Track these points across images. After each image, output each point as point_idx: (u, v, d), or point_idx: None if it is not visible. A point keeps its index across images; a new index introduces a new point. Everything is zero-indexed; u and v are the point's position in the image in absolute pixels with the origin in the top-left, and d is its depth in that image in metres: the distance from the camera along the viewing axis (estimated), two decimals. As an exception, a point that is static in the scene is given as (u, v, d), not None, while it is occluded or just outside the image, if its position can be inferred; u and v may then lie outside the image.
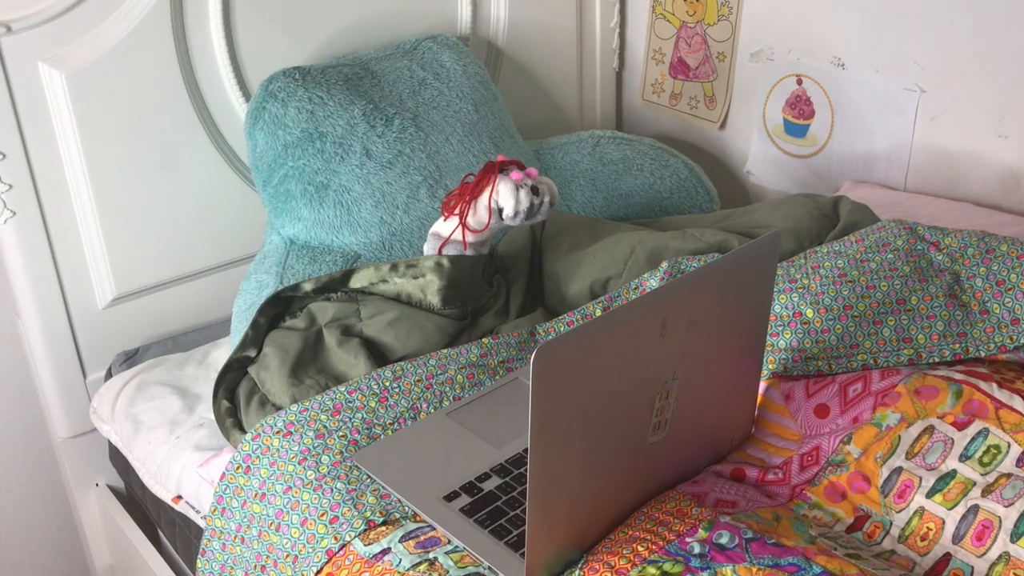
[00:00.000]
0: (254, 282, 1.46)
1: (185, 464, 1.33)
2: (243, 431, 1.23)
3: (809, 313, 1.20)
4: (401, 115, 1.55)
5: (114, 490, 1.70)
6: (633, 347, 0.95)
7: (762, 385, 1.18)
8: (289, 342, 1.28)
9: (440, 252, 1.34)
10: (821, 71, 1.75)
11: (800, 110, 1.82)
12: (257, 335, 1.32)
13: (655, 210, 1.74)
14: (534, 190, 1.32)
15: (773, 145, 1.87)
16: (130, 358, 1.58)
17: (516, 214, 1.31)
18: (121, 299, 1.59)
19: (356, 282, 1.34)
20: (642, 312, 0.95)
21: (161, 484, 1.36)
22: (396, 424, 1.16)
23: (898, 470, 1.02)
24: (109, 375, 1.58)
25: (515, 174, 1.32)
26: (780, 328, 1.21)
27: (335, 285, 1.35)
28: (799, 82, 1.79)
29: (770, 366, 1.20)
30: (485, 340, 1.28)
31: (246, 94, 1.59)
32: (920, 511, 0.99)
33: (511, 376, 1.26)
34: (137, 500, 1.60)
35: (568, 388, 0.89)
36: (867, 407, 1.11)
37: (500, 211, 1.31)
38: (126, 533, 1.59)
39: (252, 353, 1.31)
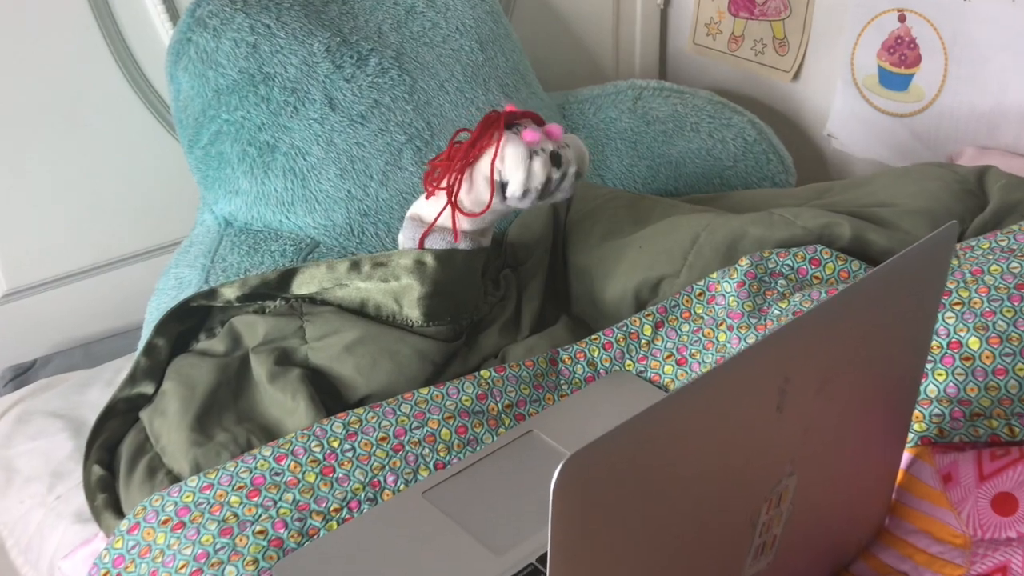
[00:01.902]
0: (173, 279, 1.03)
1: (62, 539, 0.91)
2: (120, 513, 0.81)
3: (973, 343, 0.76)
4: (379, 52, 1.11)
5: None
6: (730, 434, 0.52)
7: (904, 456, 0.76)
8: (198, 375, 0.86)
9: (422, 244, 0.91)
10: (932, 3, 1.30)
11: (902, 55, 1.36)
12: (154, 364, 0.89)
13: (714, 183, 1.30)
14: (554, 158, 0.88)
15: (863, 101, 1.42)
16: (21, 374, 1.15)
17: (525, 193, 0.88)
18: (12, 296, 1.16)
19: (300, 286, 0.91)
20: (748, 373, 0.52)
21: (31, 565, 0.94)
22: (345, 510, 0.74)
23: None
24: (-10, 397, 1.15)
25: (529, 132, 0.88)
26: (929, 366, 0.77)
27: (270, 290, 0.91)
28: (901, 18, 1.34)
29: (916, 427, 0.76)
30: (485, 373, 0.85)
31: (174, 17, 1.16)
32: None
33: (522, 428, 0.83)
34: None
35: (615, 519, 0.47)
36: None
37: (504, 186, 0.89)
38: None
39: (147, 390, 0.89)
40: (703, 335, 0.89)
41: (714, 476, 0.53)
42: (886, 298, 0.59)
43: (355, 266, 0.89)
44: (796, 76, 1.50)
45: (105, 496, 0.81)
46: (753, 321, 0.85)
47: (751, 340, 0.83)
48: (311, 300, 0.91)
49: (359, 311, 0.90)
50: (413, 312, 0.89)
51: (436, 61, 1.15)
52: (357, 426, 0.79)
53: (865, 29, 1.38)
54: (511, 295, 1.00)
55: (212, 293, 0.90)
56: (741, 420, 0.53)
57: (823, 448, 0.61)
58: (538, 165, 0.86)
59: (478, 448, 0.80)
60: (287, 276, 0.90)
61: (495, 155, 0.86)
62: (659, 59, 1.65)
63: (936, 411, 0.76)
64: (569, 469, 0.43)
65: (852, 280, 0.90)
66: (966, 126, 1.33)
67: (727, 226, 0.96)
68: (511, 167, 0.86)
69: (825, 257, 0.90)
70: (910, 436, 0.75)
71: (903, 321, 0.63)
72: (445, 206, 0.89)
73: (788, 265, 0.90)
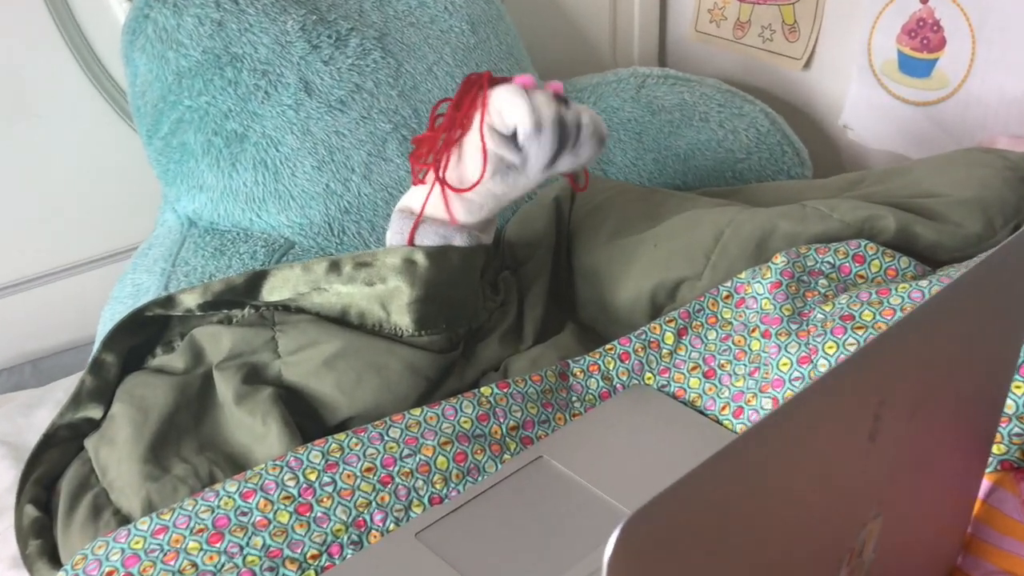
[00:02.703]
0: (129, 286, 0.90)
1: (-3, 586, 0.79)
2: (57, 562, 0.68)
3: (1055, 351, 0.65)
4: (361, 32, 0.99)
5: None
6: (816, 474, 0.41)
7: (983, 484, 0.64)
8: (153, 396, 0.73)
9: (412, 240, 0.80)
10: (958, -19, 1.19)
11: (924, 39, 1.25)
12: (101, 383, 0.76)
13: (725, 176, 1.19)
14: (558, 99, 0.76)
15: (881, 89, 1.31)
16: (-38, 393, 1.03)
17: (539, 126, 0.73)
18: (-48, 306, 1.04)
19: (272, 291, 0.78)
20: (841, 396, 0.40)
21: (-38, 616, 0.82)
22: (325, 557, 0.62)
23: None
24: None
25: (519, 78, 0.76)
26: (1004, 378, 0.66)
27: (236, 296, 0.78)
28: (923, -1, 1.23)
29: (994, 449, 0.65)
30: (486, 390, 0.73)
31: (132, -4, 1.04)
32: None
33: (530, 453, 0.71)
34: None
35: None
36: None
37: (509, 139, 0.75)
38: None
39: (93, 414, 0.76)
40: (733, 343, 0.78)
41: (794, 528, 0.41)
42: (981, 302, 0.48)
43: (335, 267, 0.77)
44: (807, 64, 1.39)
45: (39, 542, 0.68)
46: (794, 327, 0.74)
47: (793, 349, 0.72)
48: (284, 308, 0.78)
49: (340, 319, 0.78)
50: (402, 319, 0.77)
51: (423, 43, 1.03)
52: (338, 455, 0.67)
53: (883, 12, 1.27)
54: (512, 300, 0.88)
55: (169, 301, 0.77)
56: (829, 455, 0.41)
57: (910, 482, 0.49)
58: (540, 96, 0.73)
59: (480, 479, 0.68)
60: (256, 280, 0.77)
61: (482, 117, 0.73)
62: (659, 48, 1.54)
63: (1017, 430, 0.64)
64: (628, 535, 0.31)
65: (900, 278, 0.79)
66: (996, 113, 1.22)
67: (754, 220, 0.84)
68: (508, 104, 0.72)
69: (870, 253, 0.79)
70: (990, 462, 0.64)
71: (993, 328, 0.51)
72: (433, 185, 0.76)
73: (829, 262, 0.78)
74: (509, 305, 0.87)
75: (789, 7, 1.38)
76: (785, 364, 0.71)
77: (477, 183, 0.76)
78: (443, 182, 0.76)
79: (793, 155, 1.22)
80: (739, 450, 0.35)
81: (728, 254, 0.84)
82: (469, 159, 0.76)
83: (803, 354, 0.71)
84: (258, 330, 0.76)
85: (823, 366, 0.70)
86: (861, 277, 0.79)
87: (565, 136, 0.75)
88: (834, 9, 1.33)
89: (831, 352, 0.70)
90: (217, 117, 0.93)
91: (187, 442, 0.71)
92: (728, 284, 0.80)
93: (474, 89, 0.75)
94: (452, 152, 0.76)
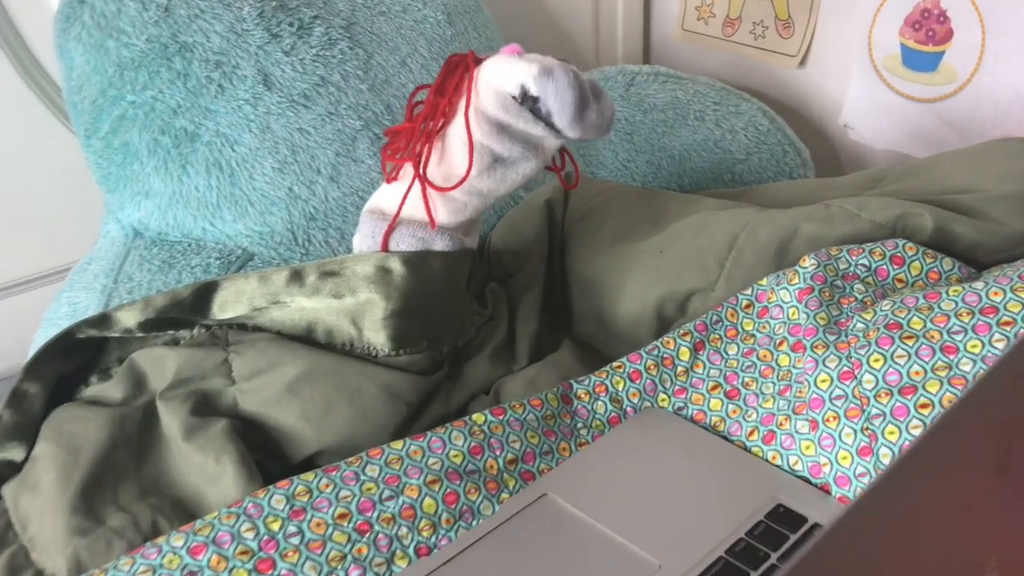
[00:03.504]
0: (65, 305, 0.79)
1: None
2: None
3: None
4: (326, 20, 0.89)
5: None
6: (935, 527, 0.31)
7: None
8: (85, 433, 0.61)
9: (386, 245, 0.69)
10: (966, -32, 1.12)
11: (929, 31, 1.17)
12: (23, 419, 0.64)
13: (724, 179, 1.09)
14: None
15: (884, 85, 1.23)
16: None
17: (549, 71, 0.62)
18: None
19: (224, 306, 0.67)
20: (971, 431, 0.30)
21: None
22: (290, 625, 0.51)
23: None
24: None
25: (508, 48, 0.66)
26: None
27: (183, 313, 0.67)
28: (928, -12, 1.15)
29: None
30: (478, 417, 0.62)
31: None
32: None
33: (533, 491, 0.60)
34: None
35: None
36: None
37: (522, 98, 0.64)
38: None
39: (13, 455, 0.64)
40: (757, 358, 0.68)
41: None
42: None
43: (296, 277, 0.66)
44: (803, 61, 1.30)
45: (-57, 612, 0.57)
46: (831, 338, 0.64)
47: (832, 363, 0.62)
48: (240, 326, 0.67)
49: (305, 338, 0.67)
50: (377, 337, 0.66)
51: (395, 33, 0.93)
52: (306, 499, 0.56)
53: (885, 2, 1.19)
54: (501, 314, 0.77)
55: (104, 319, 0.66)
56: (954, 501, 0.31)
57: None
58: (534, 55, 0.64)
59: (475, 523, 0.58)
60: (205, 293, 0.66)
61: (468, 102, 0.63)
62: (643, 48, 1.45)
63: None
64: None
65: (944, 281, 0.69)
66: (1008, 109, 1.14)
67: (773, 223, 0.75)
68: (502, 70, 0.62)
69: (909, 254, 0.69)
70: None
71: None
72: (412, 182, 0.66)
73: (864, 265, 0.69)
74: (499, 320, 0.77)
75: (782, 1, 1.30)
76: (824, 381, 0.62)
77: (464, 179, 0.65)
78: (424, 179, 0.65)
79: (795, 156, 1.13)
80: (870, 507, 0.25)
81: (744, 261, 0.74)
82: (454, 152, 0.65)
83: (844, 368, 0.61)
84: (209, 352, 0.64)
85: (868, 382, 0.60)
86: (900, 281, 0.69)
87: (579, 87, 0.64)
88: (831, 1, 1.25)
89: (877, 366, 0.60)
90: (164, 114, 0.82)
91: (125, 487, 0.59)
92: (748, 292, 0.71)
93: (459, 71, 0.65)
94: (434, 142, 0.65)
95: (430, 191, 0.66)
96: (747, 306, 0.70)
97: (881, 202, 0.74)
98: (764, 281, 0.71)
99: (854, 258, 0.69)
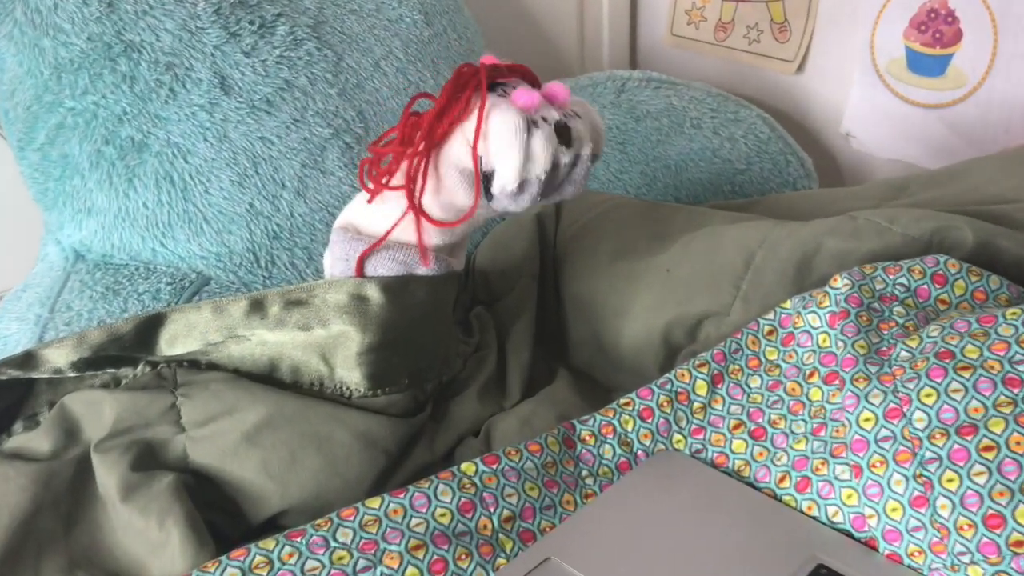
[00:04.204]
0: (-7, 338, 0.70)
1: None
2: None
3: None
4: (291, 18, 0.80)
5: None
6: None
7: None
8: (5, 493, 0.51)
9: (361, 269, 0.60)
10: (975, -34, 1.05)
11: (936, 32, 1.10)
12: (-69, 475, 0.55)
13: (723, 190, 1.01)
14: (561, 132, 0.58)
15: (887, 91, 1.15)
16: None
17: (523, 185, 0.57)
18: None
19: (173, 341, 0.57)
20: None
21: None
22: None
23: None
24: None
25: (522, 94, 0.57)
26: None
27: (124, 350, 0.57)
28: (934, -12, 1.09)
29: None
30: (468, 467, 0.53)
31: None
32: None
33: (534, 555, 0.51)
34: None
35: None
36: None
37: (488, 177, 0.57)
38: None
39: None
40: (785, 392, 0.59)
41: None
42: None
43: (257, 307, 0.56)
44: (801, 67, 1.23)
45: None
46: (873, 370, 0.55)
47: (876, 398, 0.54)
48: (192, 363, 0.58)
49: (267, 377, 0.57)
50: (351, 375, 0.57)
51: (368, 33, 0.85)
52: (266, 571, 0.46)
53: (888, 3, 1.12)
54: (489, 343, 0.68)
55: (29, 358, 0.56)
56: None
57: None
58: (539, 143, 0.55)
59: (467, 596, 0.49)
60: (150, 327, 0.57)
61: (478, 128, 0.55)
62: (630, 55, 1.37)
63: None
64: None
65: (993, 302, 0.61)
66: (1023, 115, 1.07)
67: (793, 238, 0.66)
68: (500, 147, 0.55)
69: (952, 272, 0.61)
70: None
71: None
72: (405, 214, 0.57)
73: (903, 284, 0.60)
74: (486, 350, 0.68)
75: (778, 3, 1.22)
76: (868, 419, 0.53)
77: (469, 215, 0.57)
78: (420, 212, 0.57)
79: (798, 166, 1.05)
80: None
81: (763, 282, 0.66)
82: (450, 180, 0.57)
83: (891, 405, 0.53)
84: (154, 395, 0.55)
85: (920, 421, 0.52)
86: (943, 302, 0.61)
87: (551, 183, 0.57)
88: (830, 3, 1.18)
89: (929, 402, 0.52)
90: (108, 122, 0.72)
91: (51, 558, 0.50)
92: (771, 316, 0.62)
93: (467, 91, 0.56)
94: (428, 165, 0.56)
95: (425, 224, 0.57)
96: (770, 332, 0.62)
97: (914, 214, 0.66)
98: (788, 304, 0.62)
99: (891, 276, 0.61)
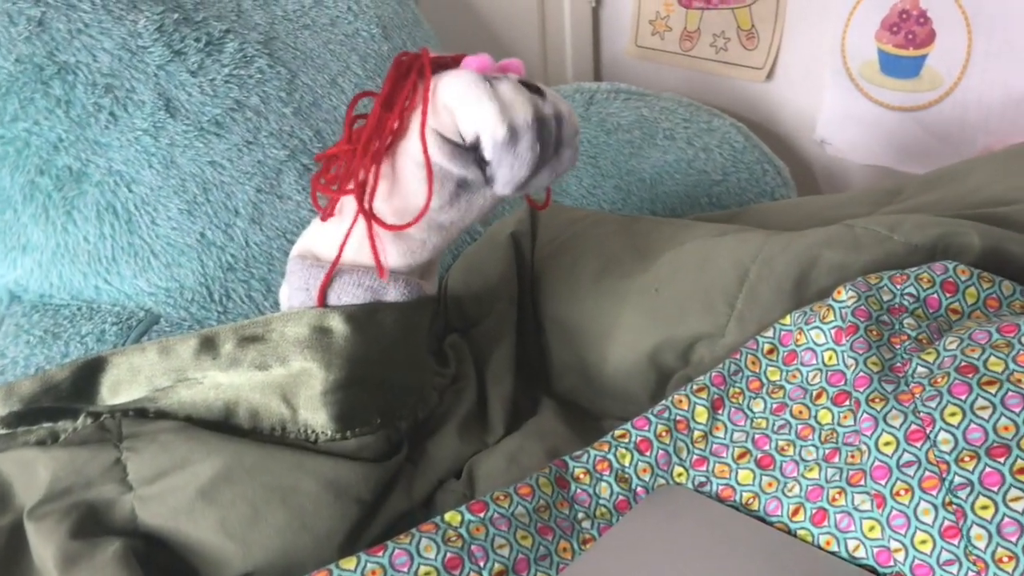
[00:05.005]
0: (-81, 391, 0.63)
1: None
2: None
3: None
4: (240, 35, 0.74)
5: None
6: None
7: None
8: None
9: (322, 298, 0.54)
10: (946, -36, 1.02)
11: (909, 33, 1.07)
12: None
13: (700, 202, 0.97)
14: (529, 87, 0.53)
15: (860, 95, 1.12)
16: None
17: (513, 132, 0.50)
18: None
19: (116, 389, 0.51)
20: None
21: None
22: None
23: None
24: None
25: (471, 60, 0.52)
26: None
27: (60, 401, 0.51)
28: (905, -12, 1.05)
29: None
30: (452, 517, 0.47)
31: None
32: None
33: (529, 612, 0.46)
34: None
35: None
36: None
37: (470, 150, 0.52)
38: None
39: None
40: (791, 415, 0.54)
41: None
42: None
43: (209, 346, 0.50)
44: (770, 74, 1.19)
45: None
46: (889, 388, 0.51)
47: (895, 420, 0.49)
48: (139, 412, 0.52)
49: (223, 423, 0.52)
50: (316, 417, 0.51)
51: (323, 49, 0.79)
52: (227, 650, 0.41)
53: (858, 5, 1.09)
54: (467, 374, 0.63)
55: (-48, 414, 0.50)
56: None
57: None
58: (507, 88, 0.50)
59: (458, 664, 0.43)
60: (89, 373, 0.50)
61: (424, 117, 0.49)
62: (594, 67, 1.33)
63: None
64: None
65: (1006, 309, 0.57)
66: (1001, 114, 1.04)
67: (789, 251, 0.62)
68: (466, 102, 0.49)
69: (963, 279, 0.56)
70: None
71: None
72: (355, 219, 0.51)
73: (911, 294, 0.56)
74: (464, 381, 0.62)
75: (744, 9, 1.19)
76: (888, 443, 0.48)
77: (422, 214, 0.51)
78: (371, 215, 0.51)
79: (775, 175, 1.01)
80: None
81: (759, 300, 0.61)
82: (408, 179, 0.51)
83: (913, 427, 0.48)
84: (96, 450, 0.49)
85: (945, 443, 0.47)
86: (954, 311, 0.56)
87: (546, 139, 0.52)
88: (798, 7, 1.14)
89: (954, 421, 0.47)
90: (43, 150, 0.66)
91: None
92: (770, 334, 0.57)
93: (411, 77, 0.51)
94: (380, 165, 0.51)
95: (378, 230, 0.51)
96: (770, 351, 0.57)
97: (915, 220, 0.62)
98: (787, 320, 0.57)
99: (898, 286, 0.56)
